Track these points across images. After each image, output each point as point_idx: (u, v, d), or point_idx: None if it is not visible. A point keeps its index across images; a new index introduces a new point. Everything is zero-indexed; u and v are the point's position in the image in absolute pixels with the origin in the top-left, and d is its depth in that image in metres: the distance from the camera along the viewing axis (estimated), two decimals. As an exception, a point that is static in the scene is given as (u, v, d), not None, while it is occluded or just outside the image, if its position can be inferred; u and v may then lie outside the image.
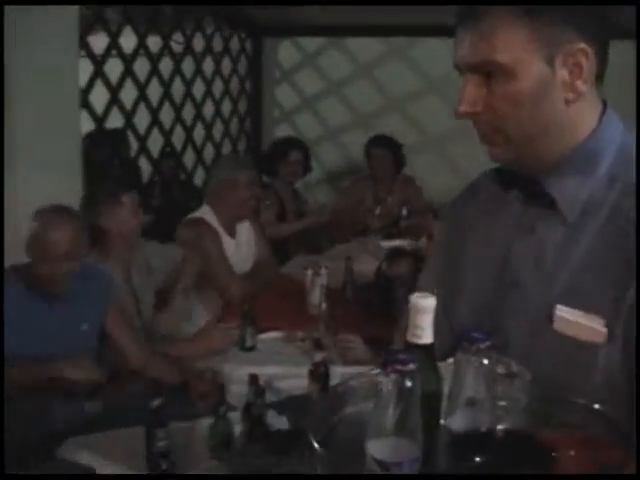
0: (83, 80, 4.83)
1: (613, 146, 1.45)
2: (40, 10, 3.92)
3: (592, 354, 1.37)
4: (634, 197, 1.39)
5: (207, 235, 4.47)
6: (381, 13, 6.20)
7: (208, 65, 6.95)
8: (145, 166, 6.26)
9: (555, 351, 1.41)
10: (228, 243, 4.60)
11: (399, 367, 1.09)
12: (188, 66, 6.63)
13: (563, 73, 1.39)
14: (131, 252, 3.85)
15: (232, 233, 4.67)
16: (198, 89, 6.81)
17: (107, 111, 5.38)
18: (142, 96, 5.88)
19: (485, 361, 1.20)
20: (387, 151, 6.39)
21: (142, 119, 5.93)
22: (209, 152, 7.02)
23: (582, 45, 1.38)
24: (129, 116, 5.69)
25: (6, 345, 3.03)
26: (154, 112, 6.08)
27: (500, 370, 1.28)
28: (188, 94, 6.64)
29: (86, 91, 4.98)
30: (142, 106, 5.90)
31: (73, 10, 4.26)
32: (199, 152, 6.90)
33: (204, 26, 6.83)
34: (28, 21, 3.89)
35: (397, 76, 7.35)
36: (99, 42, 5.33)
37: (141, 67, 5.91)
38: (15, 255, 3.30)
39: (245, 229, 4.80)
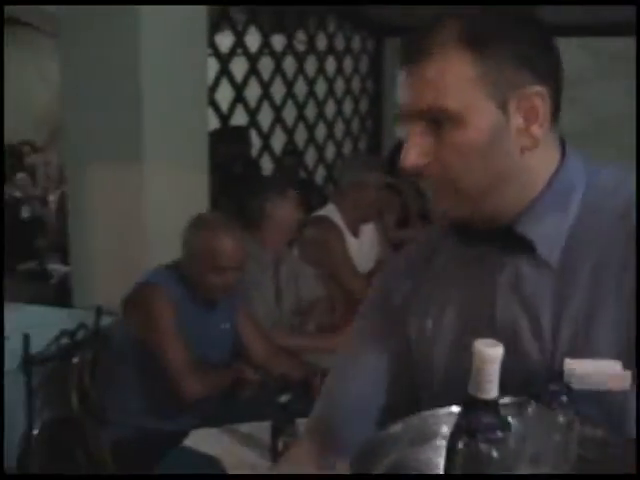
0: (209, 78, 4.90)
1: (581, 182, 1.31)
2: (170, 10, 3.99)
3: (621, 399, 1.23)
4: (627, 223, 1.25)
5: (332, 233, 4.48)
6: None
7: (330, 64, 6.97)
8: (267, 164, 6.31)
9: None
10: (351, 243, 4.59)
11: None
12: (311, 65, 6.66)
13: (517, 119, 1.24)
14: (284, 248, 3.99)
15: (356, 233, 4.67)
16: (320, 88, 6.83)
17: (232, 109, 5.45)
18: (266, 94, 5.94)
19: (561, 418, 1.12)
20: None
21: (265, 117, 5.99)
22: (330, 151, 7.04)
23: (537, 88, 1.24)
24: (253, 114, 5.76)
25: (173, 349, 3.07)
26: (277, 110, 6.14)
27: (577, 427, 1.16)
28: (311, 93, 6.68)
29: (212, 89, 5.05)
30: (266, 104, 5.96)
31: (201, 9, 4.33)
32: (321, 151, 6.92)
33: (327, 25, 6.86)
34: (160, 20, 3.97)
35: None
36: (225, 41, 5.41)
37: (265, 66, 5.97)
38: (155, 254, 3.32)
39: (369, 230, 4.79)
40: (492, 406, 1.04)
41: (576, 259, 1.27)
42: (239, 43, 5.53)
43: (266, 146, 6.07)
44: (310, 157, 6.83)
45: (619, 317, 1.22)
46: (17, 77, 9.38)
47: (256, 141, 6.15)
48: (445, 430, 1.15)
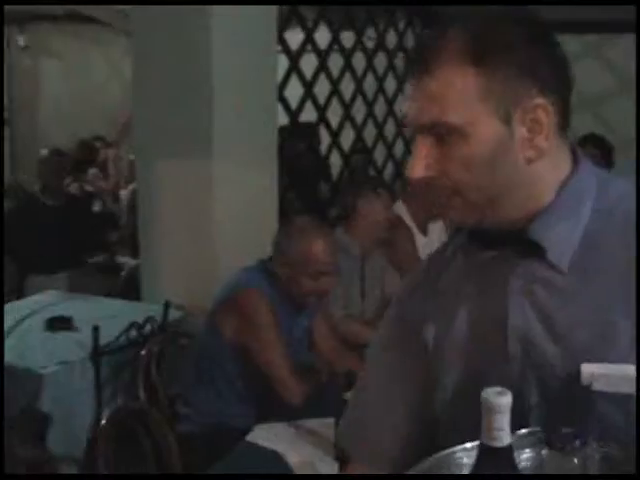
0: (279, 75, 4.92)
1: (592, 189, 1.30)
2: (241, 7, 4.02)
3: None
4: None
5: (402, 231, 4.50)
6: (573, 9, 6.02)
7: (400, 61, 6.94)
8: (336, 160, 6.31)
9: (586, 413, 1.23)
10: (420, 241, 4.60)
11: None
12: (380, 62, 6.65)
13: (522, 131, 1.24)
14: (373, 245, 4.13)
15: (424, 231, 4.67)
16: (390, 85, 6.81)
17: (301, 105, 5.46)
18: (335, 91, 5.94)
19: (575, 460, 1.10)
20: (596, 151, 6.18)
21: (335, 114, 5.99)
22: (399, 148, 7.01)
23: (540, 100, 1.23)
24: (322, 111, 5.76)
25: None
26: (346, 107, 6.13)
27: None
28: (380, 90, 6.66)
29: (281, 86, 5.07)
30: (335, 101, 5.96)
31: (271, 7, 4.35)
32: (389, 148, 6.90)
33: (397, 22, 6.83)
34: (231, 18, 3.99)
35: (591, 75, 7.11)
36: (295, 38, 5.43)
37: (335, 62, 5.97)
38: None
39: (438, 228, 4.77)
40: (505, 453, 1.03)
41: (588, 263, 1.26)
42: (309, 40, 5.54)
43: (335, 143, 6.07)
44: (379, 154, 6.81)
45: (633, 318, 1.21)
46: (90, 74, 9.54)
47: (325, 138, 6.16)
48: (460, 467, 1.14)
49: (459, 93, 1.22)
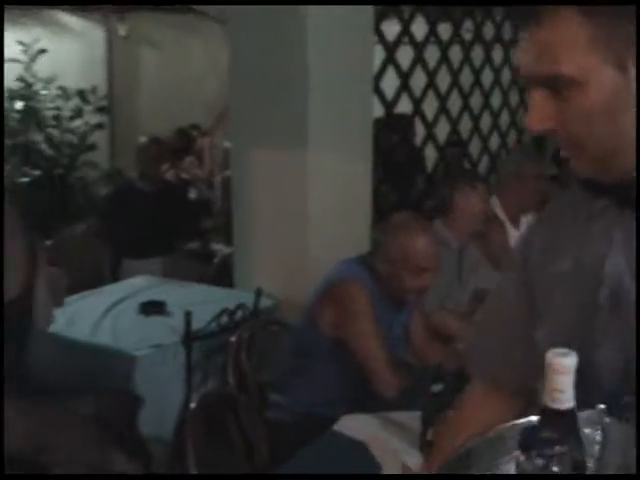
0: (375, 66, 4.90)
1: None
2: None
3: None
4: None
5: (495, 225, 4.47)
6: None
7: (497, 54, 6.86)
8: (430, 153, 6.28)
9: None
10: (512, 234, 4.56)
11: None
12: (477, 54, 6.57)
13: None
14: (469, 238, 4.14)
15: (516, 224, 4.63)
16: (486, 78, 6.74)
17: (397, 97, 5.44)
18: (431, 83, 5.90)
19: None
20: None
21: (430, 106, 5.96)
22: (495, 141, 6.93)
23: None
24: (418, 103, 5.74)
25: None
26: (442, 100, 6.09)
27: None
28: (476, 83, 6.59)
29: (377, 77, 5.06)
30: (431, 93, 5.93)
31: (368, -3, 4.35)
32: (485, 141, 6.83)
33: (494, 14, 6.74)
34: (327, 8, 4.00)
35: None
36: (392, 29, 5.41)
37: (431, 54, 5.93)
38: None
39: (529, 221, 4.72)
40: (566, 417, 1.00)
41: None
42: (405, 31, 5.51)
43: (430, 135, 6.04)
44: (474, 147, 6.75)
45: None
46: (188, 63, 9.66)
47: (420, 130, 6.13)
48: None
49: (568, 43, 1.20)
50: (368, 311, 3.05)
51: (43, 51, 8.16)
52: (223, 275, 4.89)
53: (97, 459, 2.01)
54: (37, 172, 7.83)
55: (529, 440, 0.99)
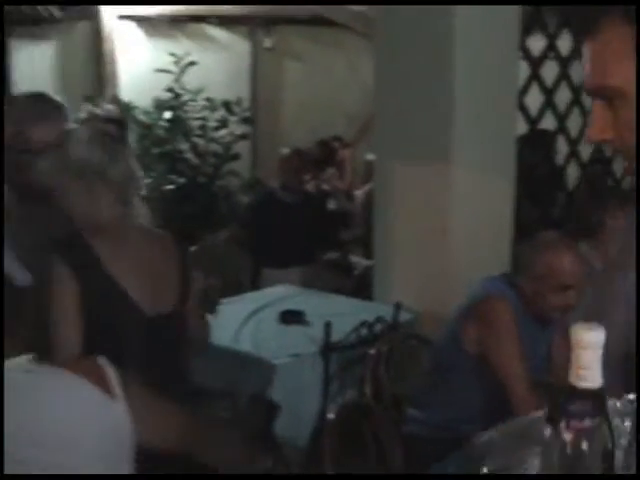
0: (520, 82, 4.87)
1: None
2: (484, 11, 4.01)
3: None
4: None
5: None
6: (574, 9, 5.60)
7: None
8: (572, 171, 6.16)
9: None
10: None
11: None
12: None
13: None
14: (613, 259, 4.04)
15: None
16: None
17: (541, 114, 5.38)
18: (576, 100, 5.80)
19: None
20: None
21: (575, 123, 5.86)
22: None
23: None
24: (562, 119, 5.65)
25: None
26: (587, 116, 5.98)
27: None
28: (623, 99, 6.44)
29: (522, 93, 5.02)
30: (576, 110, 5.83)
31: (515, 13, 4.32)
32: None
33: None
34: (474, 22, 4.00)
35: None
36: (537, 44, 5.35)
37: (576, 70, 5.83)
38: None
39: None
40: (594, 397, 0.95)
41: None
42: (551, 47, 5.44)
43: (573, 153, 5.93)
44: (618, 165, 6.58)
45: None
46: (330, 75, 9.77)
47: (563, 147, 6.03)
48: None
49: (616, 55, 1.20)
50: (512, 329, 3.03)
51: (193, 63, 8.38)
52: (362, 287, 4.93)
53: (239, 458, 2.09)
54: (182, 180, 8.05)
55: (558, 411, 0.95)
